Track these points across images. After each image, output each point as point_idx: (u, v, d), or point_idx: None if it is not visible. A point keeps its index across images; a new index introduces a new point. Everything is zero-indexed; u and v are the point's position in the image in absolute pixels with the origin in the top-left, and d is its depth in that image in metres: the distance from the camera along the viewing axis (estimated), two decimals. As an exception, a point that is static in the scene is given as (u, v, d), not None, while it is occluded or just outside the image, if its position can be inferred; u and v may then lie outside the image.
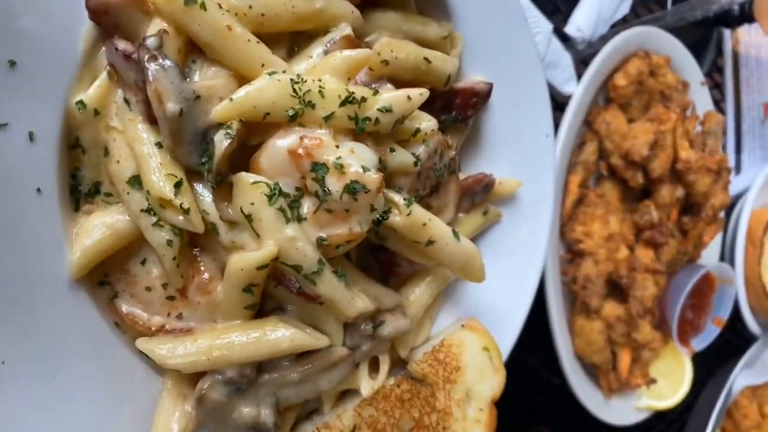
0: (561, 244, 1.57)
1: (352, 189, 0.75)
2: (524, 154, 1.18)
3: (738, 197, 2.05)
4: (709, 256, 1.88)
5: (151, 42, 0.71)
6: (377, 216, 0.79)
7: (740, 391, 2.02)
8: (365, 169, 0.75)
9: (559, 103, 1.58)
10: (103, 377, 0.80)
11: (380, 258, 0.98)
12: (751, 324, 2.07)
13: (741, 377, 2.01)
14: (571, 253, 1.55)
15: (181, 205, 0.72)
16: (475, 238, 1.15)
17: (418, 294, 1.02)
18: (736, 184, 2.02)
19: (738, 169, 2.05)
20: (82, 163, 0.78)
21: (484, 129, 1.14)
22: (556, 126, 1.51)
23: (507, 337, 1.16)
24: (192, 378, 0.81)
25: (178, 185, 0.73)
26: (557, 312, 1.49)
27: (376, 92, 0.80)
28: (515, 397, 1.67)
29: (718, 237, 1.95)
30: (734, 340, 2.20)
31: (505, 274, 1.18)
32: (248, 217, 0.74)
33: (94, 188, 0.79)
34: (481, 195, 1.10)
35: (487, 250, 1.17)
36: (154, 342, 0.78)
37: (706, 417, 1.98)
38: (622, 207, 1.58)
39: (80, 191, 0.79)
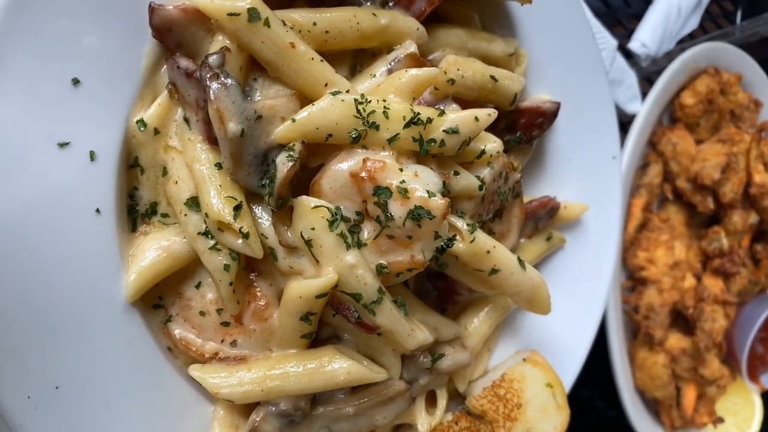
0: (622, 270, 1.49)
1: (416, 215, 0.70)
2: (590, 177, 1.12)
3: None
4: (782, 286, 1.76)
5: (213, 60, 0.69)
6: (441, 244, 0.74)
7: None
8: (430, 194, 0.71)
9: (622, 123, 1.50)
10: (155, 403, 0.77)
11: (439, 285, 0.94)
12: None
13: (815, 418, 1.86)
14: (633, 280, 1.47)
15: (240, 230, 0.69)
16: (536, 265, 1.09)
17: (477, 324, 0.97)
18: None
19: None
20: (141, 183, 0.76)
21: (548, 150, 1.09)
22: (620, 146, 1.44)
23: (568, 372, 1.09)
24: (244, 407, 0.78)
25: (237, 208, 0.70)
26: (618, 343, 1.41)
27: (442, 113, 0.76)
28: (570, 430, 1.58)
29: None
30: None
31: (568, 304, 1.11)
32: (308, 243, 0.71)
33: (151, 209, 0.77)
34: (545, 220, 1.04)
35: (549, 277, 1.10)
36: (207, 370, 0.75)
37: (775, 459, 1.84)
38: (687, 233, 1.49)
39: (137, 211, 0.77)
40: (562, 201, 1.07)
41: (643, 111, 1.42)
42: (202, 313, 0.78)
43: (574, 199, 1.10)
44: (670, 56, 1.54)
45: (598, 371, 1.48)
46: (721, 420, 1.59)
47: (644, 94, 1.47)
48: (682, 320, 1.50)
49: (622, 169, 1.40)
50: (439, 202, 0.71)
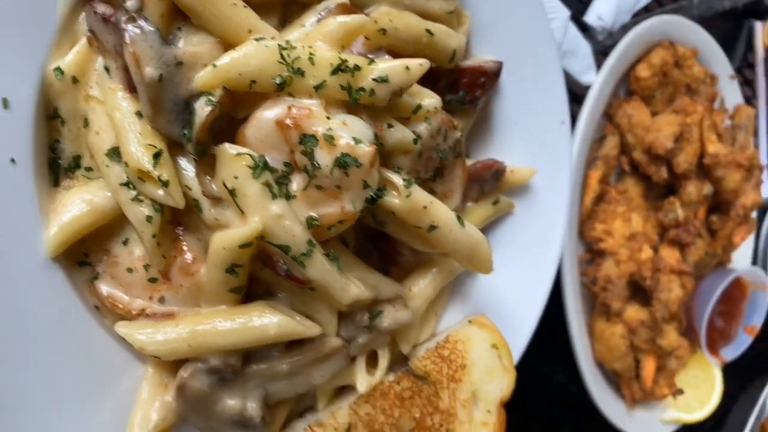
0: (580, 243, 1.49)
1: (343, 162, 0.69)
2: (538, 142, 1.11)
3: None
4: (741, 260, 1.78)
5: (130, 4, 0.67)
6: (371, 194, 0.73)
7: (775, 406, 1.89)
8: (357, 141, 0.70)
9: (577, 96, 1.51)
10: (81, 363, 0.75)
11: (380, 246, 0.93)
12: (787, 334, 1.95)
13: (776, 391, 1.89)
14: (591, 252, 1.47)
15: (159, 177, 0.68)
16: (484, 230, 1.08)
17: (422, 286, 0.96)
18: None
19: None
20: (62, 136, 0.74)
21: (495, 114, 1.08)
22: (574, 119, 1.44)
23: (519, 338, 1.09)
24: (174, 366, 0.76)
25: (157, 156, 0.68)
26: (576, 315, 1.41)
27: (371, 61, 0.75)
28: (532, 405, 1.58)
29: (750, 240, 1.84)
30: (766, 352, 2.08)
31: (518, 270, 1.11)
32: (232, 192, 0.69)
33: (74, 162, 0.75)
34: (490, 183, 1.04)
35: (498, 243, 1.10)
36: (134, 326, 0.73)
37: (738, 433, 1.86)
38: (645, 204, 1.50)
39: (60, 165, 0.75)
40: (509, 166, 1.07)
41: (598, 82, 1.42)
42: (129, 270, 0.76)
43: (522, 165, 1.09)
44: (625, 29, 1.54)
45: (559, 346, 1.48)
46: (680, 392, 1.60)
47: (600, 67, 1.47)
48: (641, 293, 1.51)
49: (577, 141, 1.40)
50: (365, 149, 0.70)
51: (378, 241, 0.93)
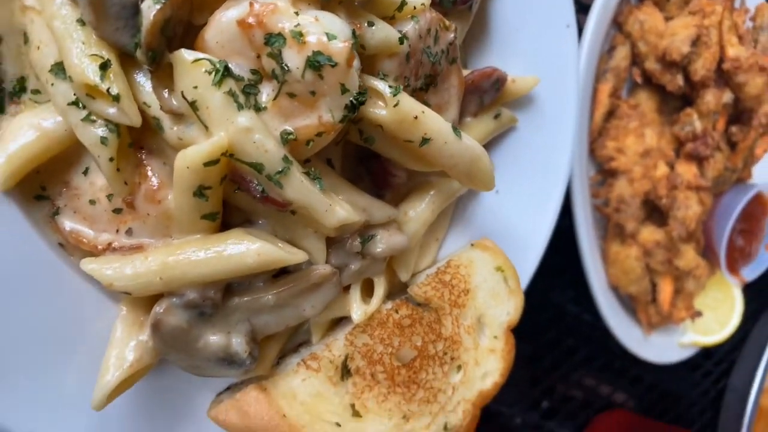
0: (591, 163, 1.40)
1: (315, 62, 0.61)
2: (541, 49, 1.01)
3: None
4: (762, 174, 1.68)
5: None
6: (351, 99, 0.64)
7: (797, 325, 1.84)
8: (330, 38, 0.61)
9: (583, 5, 1.38)
10: (48, 306, 0.69)
11: (371, 168, 0.85)
12: (810, 252, 1.87)
13: (798, 310, 1.83)
14: (603, 173, 1.38)
15: (108, 91, 0.60)
16: (486, 147, 0.99)
17: (419, 210, 0.88)
18: None
19: None
20: (2, 56, 0.66)
21: (493, 18, 0.98)
22: (581, 29, 1.32)
23: (527, 262, 1.02)
24: (149, 302, 0.70)
25: (104, 67, 0.60)
26: (588, 239, 1.33)
27: (343, -53, 0.65)
28: (545, 335, 1.54)
29: (772, 154, 1.74)
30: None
31: (524, 190, 1.03)
32: (192, 105, 0.62)
33: (19, 85, 0.67)
34: (490, 94, 0.94)
35: (502, 162, 1.02)
36: (101, 261, 0.67)
37: (757, 356, 1.81)
38: (659, 119, 1.39)
39: (4, 90, 0.67)
40: (510, 75, 0.97)
41: (606, -15, 1.30)
42: (92, 202, 0.69)
43: (525, 74, 1.00)
44: (636, -72, 1.40)
45: (572, 275, 1.42)
46: (699, 314, 1.54)
47: (608, -30, 1.34)
48: (657, 214, 1.43)
49: (584, 52, 1.29)
50: (340, 45, 0.61)
51: (368, 163, 0.85)
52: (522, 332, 1.28)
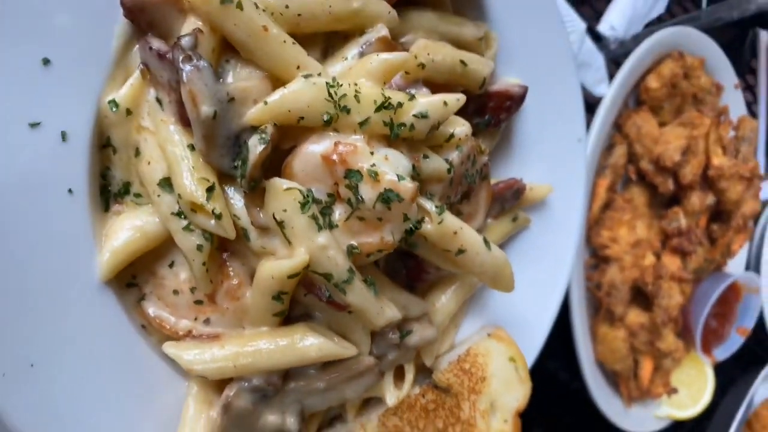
0: (586, 248, 1.54)
1: (386, 198, 0.73)
2: (555, 159, 1.15)
3: (766, 203, 2.01)
4: (735, 264, 1.84)
5: (185, 42, 0.69)
6: (410, 226, 0.76)
7: (761, 403, 1.98)
8: (400, 178, 0.73)
9: (589, 104, 1.54)
10: (129, 379, 0.79)
11: (408, 264, 0.97)
12: (776, 333, 2.03)
13: (763, 388, 1.98)
14: (597, 258, 1.52)
15: (213, 211, 0.71)
16: (502, 245, 1.12)
17: (444, 301, 1.00)
18: (765, 189, 1.98)
19: None
20: (113, 163, 0.77)
21: (516, 132, 1.12)
22: (586, 127, 1.48)
23: (532, 346, 1.14)
24: (217, 383, 0.80)
25: (210, 190, 0.71)
26: (580, 318, 1.46)
27: (412, 97, 0.78)
28: (536, 399, 1.65)
29: (744, 246, 1.91)
30: (757, 350, 2.16)
31: (532, 281, 1.16)
32: (280, 224, 0.73)
33: (124, 188, 0.78)
34: (511, 201, 1.08)
35: (514, 256, 1.15)
36: (181, 347, 0.77)
37: (725, 427, 1.95)
38: (649, 213, 1.55)
39: (110, 191, 0.77)
40: (528, 182, 1.10)
41: (610, 93, 1.45)
42: (175, 292, 0.79)
43: (540, 181, 1.13)
44: (637, 39, 1.57)
45: (563, 345, 1.54)
46: (675, 390, 1.67)
47: (611, 77, 1.50)
48: (642, 297, 1.57)
49: (588, 151, 1.44)
50: (408, 186, 0.73)
51: (406, 260, 0.96)
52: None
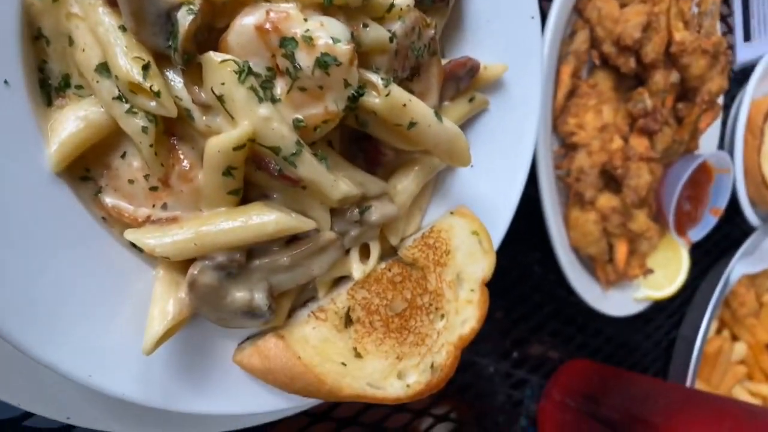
0: (554, 138, 1.55)
1: (323, 62, 0.73)
2: (509, 38, 1.14)
3: (746, 68, 2.02)
4: (708, 147, 1.86)
5: None
6: (352, 92, 0.77)
7: (738, 280, 2.05)
8: (335, 41, 0.73)
9: (548, -8, 1.52)
10: (96, 270, 0.81)
11: (364, 147, 0.98)
12: (750, 215, 2.08)
13: (739, 266, 2.04)
14: (565, 147, 1.54)
15: (151, 88, 0.71)
16: (462, 127, 1.13)
17: (406, 183, 1.02)
18: (744, 52, 1.99)
19: (747, 35, 2.00)
20: (48, 56, 0.76)
21: (466, 12, 1.10)
22: (545, 15, 1.46)
23: (499, 225, 1.17)
24: (183, 266, 0.82)
25: (146, 68, 0.71)
26: (551, 206, 1.50)
27: (343, -38, 0.77)
28: (515, 292, 1.71)
29: (717, 126, 1.93)
30: (733, 233, 2.22)
31: (495, 163, 1.17)
32: (220, 99, 0.73)
33: (63, 81, 0.78)
34: (465, 80, 1.08)
35: (476, 140, 1.16)
36: (142, 232, 0.79)
37: (703, 307, 2.02)
38: (615, 96, 1.55)
39: (50, 85, 0.77)
40: (482, 62, 1.10)
41: (568, -24, 1.43)
42: (130, 181, 0.81)
43: (495, 61, 1.13)
44: None
45: (538, 238, 1.58)
46: (650, 271, 1.73)
47: (569, -40, 1.47)
48: (613, 183, 1.59)
49: (548, 37, 1.43)
50: (344, 48, 0.73)
51: (362, 143, 0.98)
52: (494, 291, 1.45)
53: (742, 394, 2.11)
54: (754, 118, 2.03)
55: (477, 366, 1.65)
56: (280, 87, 0.77)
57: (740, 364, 2.19)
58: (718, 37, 1.56)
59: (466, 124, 1.15)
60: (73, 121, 0.76)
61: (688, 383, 1.90)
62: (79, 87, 0.78)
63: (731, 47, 1.97)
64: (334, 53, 0.73)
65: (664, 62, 1.50)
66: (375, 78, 0.83)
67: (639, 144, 1.51)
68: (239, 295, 0.83)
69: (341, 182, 0.83)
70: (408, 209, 1.05)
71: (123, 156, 0.81)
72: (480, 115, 1.17)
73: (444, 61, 1.05)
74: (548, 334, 1.79)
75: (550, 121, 1.50)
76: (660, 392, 1.60)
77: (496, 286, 1.43)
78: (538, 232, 1.56)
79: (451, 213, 1.05)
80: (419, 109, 0.88)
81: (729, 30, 2.00)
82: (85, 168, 0.80)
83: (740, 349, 2.17)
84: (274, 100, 0.76)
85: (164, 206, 0.81)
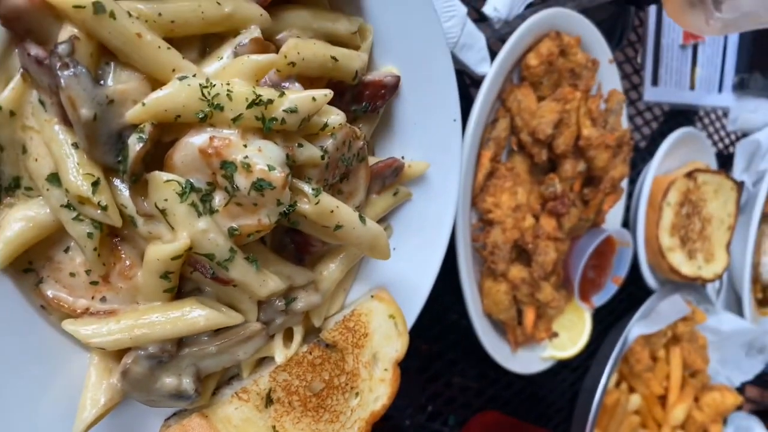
0: (473, 213, 1.70)
1: (259, 186, 0.83)
2: (433, 138, 1.27)
3: (651, 144, 2.27)
4: (613, 222, 2.07)
5: (62, 49, 0.75)
6: (284, 209, 0.87)
7: (635, 339, 2.27)
8: (271, 168, 0.83)
9: (475, 82, 1.68)
10: (32, 354, 0.87)
11: (295, 239, 1.08)
12: (649, 279, 2.31)
13: (636, 327, 2.25)
14: (482, 221, 1.69)
15: (99, 203, 0.79)
16: (387, 217, 1.25)
17: (332, 270, 1.12)
18: (651, 94, 2.28)
19: (655, 80, 2.28)
20: (2, 161, 0.82)
21: (395, 115, 1.23)
22: (473, 101, 1.61)
23: (415, 303, 1.29)
24: (116, 354, 0.89)
25: (95, 184, 0.79)
26: (467, 276, 1.63)
27: (282, 93, 0.87)
28: (432, 351, 1.83)
29: (622, 204, 2.14)
30: (635, 294, 2.44)
31: (416, 247, 1.30)
32: (162, 212, 0.82)
33: (14, 183, 0.84)
34: (390, 178, 1.20)
35: (399, 226, 1.29)
36: (79, 323, 0.86)
37: (604, 363, 2.22)
38: (530, 179, 1.72)
39: (1, 186, 0.83)
40: (407, 160, 1.23)
41: (492, 70, 1.59)
42: (72, 275, 0.87)
43: (420, 158, 1.26)
44: (523, 17, 1.70)
45: (455, 302, 1.72)
46: (555, 335, 1.90)
47: (497, 55, 1.63)
48: (524, 254, 1.76)
49: (472, 124, 1.58)
50: (278, 175, 0.84)
51: (293, 235, 1.07)
52: (411, 348, 1.56)
53: (635, 442, 2.32)
54: (654, 194, 2.26)
55: (393, 419, 1.76)
56: (218, 198, 0.86)
57: (635, 414, 2.40)
58: (623, 131, 1.76)
59: (391, 213, 1.27)
60: (20, 221, 0.82)
61: (586, 433, 2.08)
62: (29, 188, 0.85)
63: (637, 88, 2.27)
64: (269, 179, 0.83)
65: (573, 153, 1.68)
66: (307, 188, 0.94)
67: (548, 224, 1.68)
68: (168, 380, 0.90)
69: (269, 280, 0.93)
70: (332, 292, 1.16)
71: (66, 250, 0.87)
72: (403, 204, 1.29)
73: (374, 160, 1.17)
74: (462, 388, 1.93)
75: (470, 198, 1.65)
76: (557, 448, 1.75)
77: (414, 344, 1.55)
78: (454, 297, 1.69)
79: (372, 296, 1.16)
80: (345, 214, 0.99)
81: (638, 75, 2.29)
82: (29, 261, 0.86)
83: (635, 400, 2.38)
84: (212, 212, 0.85)
85: (103, 299, 0.88)
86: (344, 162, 1.03)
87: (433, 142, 1.28)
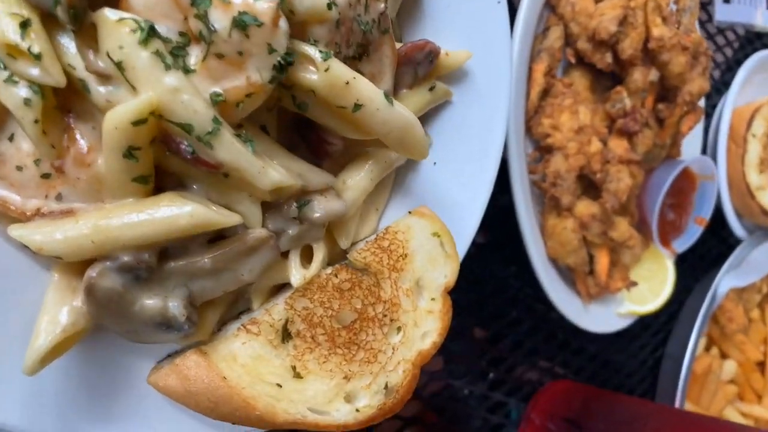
0: (528, 141, 1.45)
1: (241, 22, 0.62)
2: (473, 24, 1.04)
3: (725, 72, 1.96)
4: (690, 153, 1.78)
5: None
6: (278, 59, 0.66)
7: (725, 294, 1.95)
8: (255, -2, 0.62)
9: (518, -14, 1.44)
10: (-23, 275, 0.68)
11: (307, 135, 0.86)
12: (736, 226, 1.99)
13: (726, 280, 1.94)
14: (539, 150, 1.44)
15: (29, 49, 0.59)
16: (422, 120, 1.02)
17: (357, 179, 0.90)
18: (723, 12, 1.97)
19: None
20: None
21: (425, -7, 1.01)
22: (515, 10, 1.37)
23: (465, 229, 1.05)
24: (82, 267, 0.69)
25: (24, 26, 0.60)
26: (527, 213, 1.38)
27: None
28: (491, 308, 1.58)
29: (698, 133, 1.84)
30: (719, 246, 2.13)
31: (461, 162, 1.06)
32: (119, 66, 0.62)
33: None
34: (424, 66, 0.97)
35: (439, 134, 1.06)
36: (30, 227, 0.66)
37: (690, 324, 1.91)
38: (592, 97, 1.46)
39: None
40: (443, 49, 1.00)
41: (539, -32, 1.35)
42: (19, 168, 0.68)
43: (457, 48, 1.03)
44: None
45: (513, 251, 1.47)
46: (634, 284, 1.61)
47: (541, -47, 1.39)
48: (592, 189, 1.49)
49: (519, 32, 1.34)
50: (264, 5, 0.62)
51: (305, 131, 0.86)
52: (467, 306, 1.31)
53: (733, 415, 1.99)
54: (736, 127, 1.95)
55: (451, 388, 1.52)
56: (195, 56, 0.65)
57: (730, 383, 2.07)
58: (698, 35, 1.48)
59: (427, 117, 1.04)
60: (-55, 96, 0.64)
61: (676, 404, 1.78)
62: (-45, 55, 0.66)
63: (706, 7, 1.95)
64: (254, 12, 0.62)
65: (642, 59, 1.41)
66: (312, 51, 0.72)
67: (618, 146, 1.42)
68: (150, 302, 0.70)
69: (272, 169, 0.71)
70: (361, 209, 0.94)
71: (11, 138, 0.68)
72: (443, 108, 1.06)
73: (399, 45, 0.95)
74: (527, 353, 1.66)
75: (522, 122, 1.40)
76: (647, 415, 1.47)
77: (469, 300, 1.30)
78: (512, 243, 1.44)
79: (410, 213, 0.93)
80: (365, 88, 0.77)
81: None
82: (-35, 152, 0.68)
83: (730, 367, 2.05)
84: (187, 71, 0.64)
85: (59, 197, 0.68)
86: (361, 26, 0.81)
87: (473, 27, 1.04)
